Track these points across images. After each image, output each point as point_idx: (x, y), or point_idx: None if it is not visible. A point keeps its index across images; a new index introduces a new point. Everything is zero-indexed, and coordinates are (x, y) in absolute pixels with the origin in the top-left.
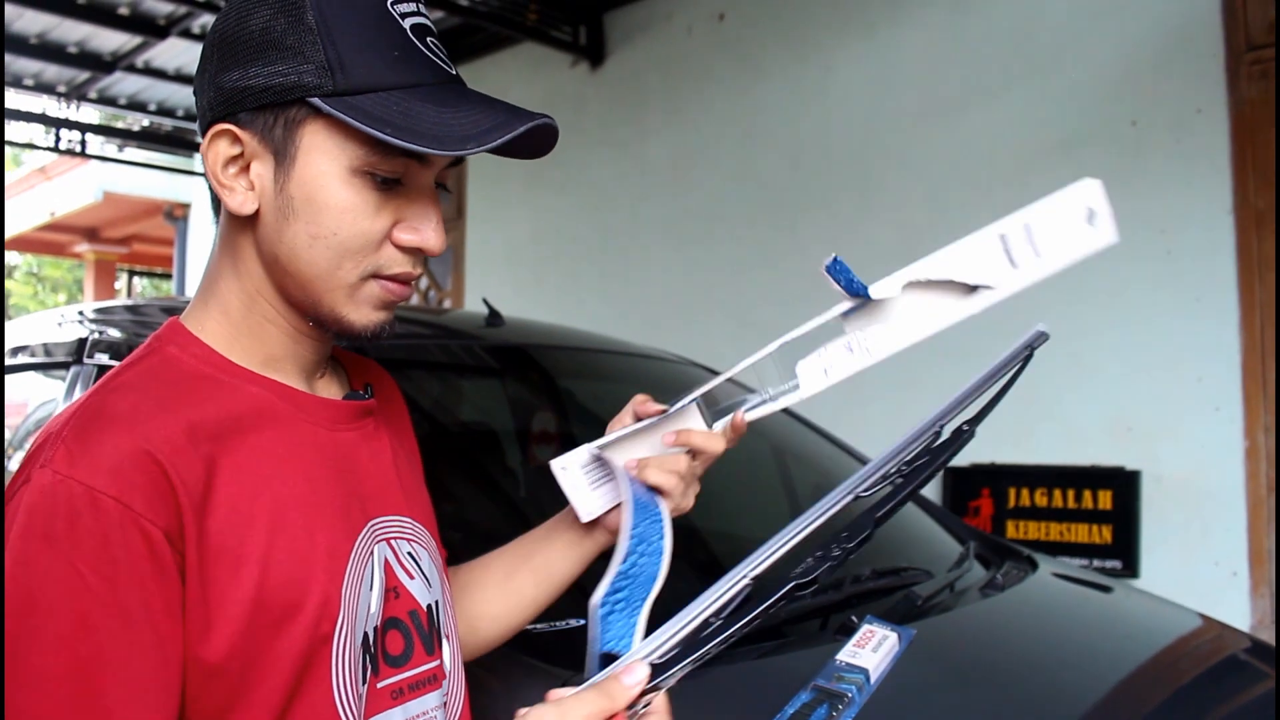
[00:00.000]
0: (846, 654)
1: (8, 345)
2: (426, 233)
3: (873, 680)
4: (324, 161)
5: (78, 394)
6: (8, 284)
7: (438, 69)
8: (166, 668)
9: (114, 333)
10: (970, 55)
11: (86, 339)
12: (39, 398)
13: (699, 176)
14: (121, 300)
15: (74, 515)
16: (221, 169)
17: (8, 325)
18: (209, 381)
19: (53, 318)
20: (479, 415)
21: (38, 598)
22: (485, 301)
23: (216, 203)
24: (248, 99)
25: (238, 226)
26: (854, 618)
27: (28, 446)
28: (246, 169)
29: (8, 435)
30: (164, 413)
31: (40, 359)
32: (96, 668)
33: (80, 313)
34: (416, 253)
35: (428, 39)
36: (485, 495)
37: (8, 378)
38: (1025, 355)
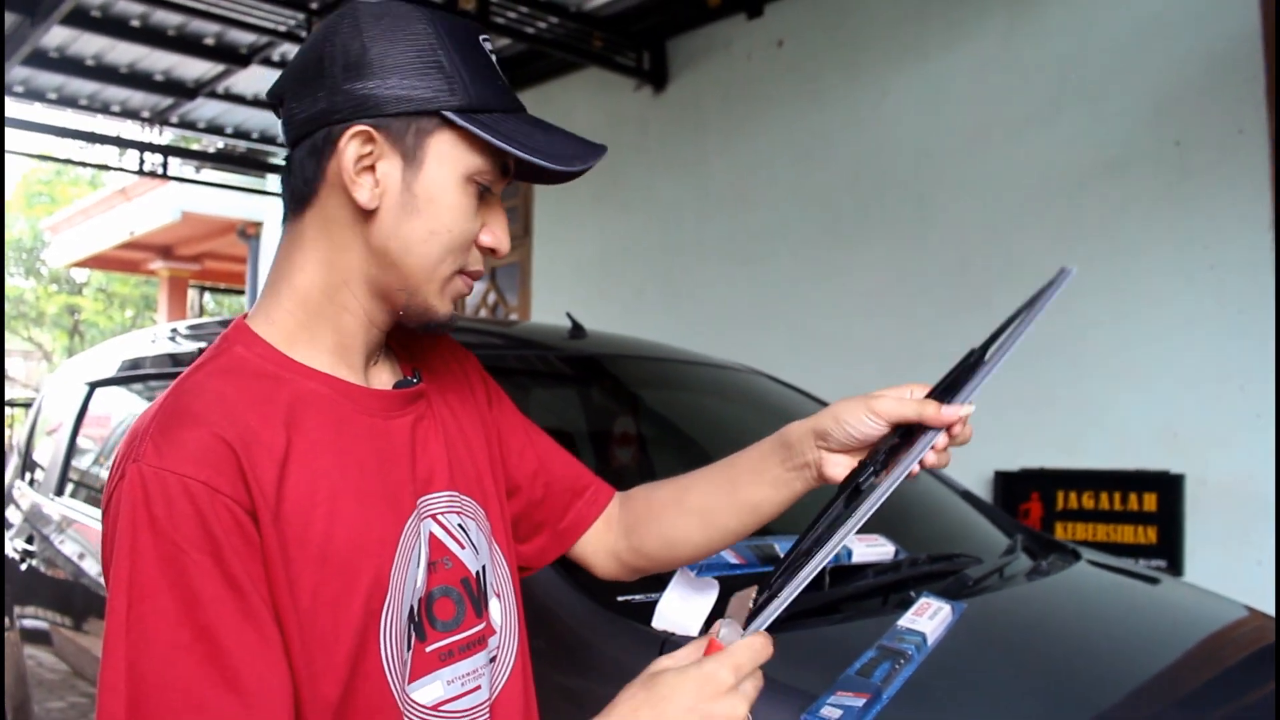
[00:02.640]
0: (906, 621)
1: (116, 362)
2: (501, 236)
3: (929, 642)
4: (446, 167)
5: None
6: (80, 300)
7: (517, 100)
8: (275, 624)
9: None
10: (1022, 80)
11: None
12: (121, 413)
13: (759, 196)
14: (214, 316)
15: (169, 501)
16: (355, 165)
17: (97, 347)
18: (271, 379)
19: (145, 336)
20: (559, 419)
21: (153, 580)
22: (569, 315)
23: (298, 203)
24: (385, 106)
25: (348, 221)
26: (912, 593)
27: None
28: (371, 168)
29: (94, 447)
30: (234, 408)
31: (156, 370)
32: (217, 632)
33: (174, 330)
34: (490, 253)
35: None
36: None
37: (102, 392)
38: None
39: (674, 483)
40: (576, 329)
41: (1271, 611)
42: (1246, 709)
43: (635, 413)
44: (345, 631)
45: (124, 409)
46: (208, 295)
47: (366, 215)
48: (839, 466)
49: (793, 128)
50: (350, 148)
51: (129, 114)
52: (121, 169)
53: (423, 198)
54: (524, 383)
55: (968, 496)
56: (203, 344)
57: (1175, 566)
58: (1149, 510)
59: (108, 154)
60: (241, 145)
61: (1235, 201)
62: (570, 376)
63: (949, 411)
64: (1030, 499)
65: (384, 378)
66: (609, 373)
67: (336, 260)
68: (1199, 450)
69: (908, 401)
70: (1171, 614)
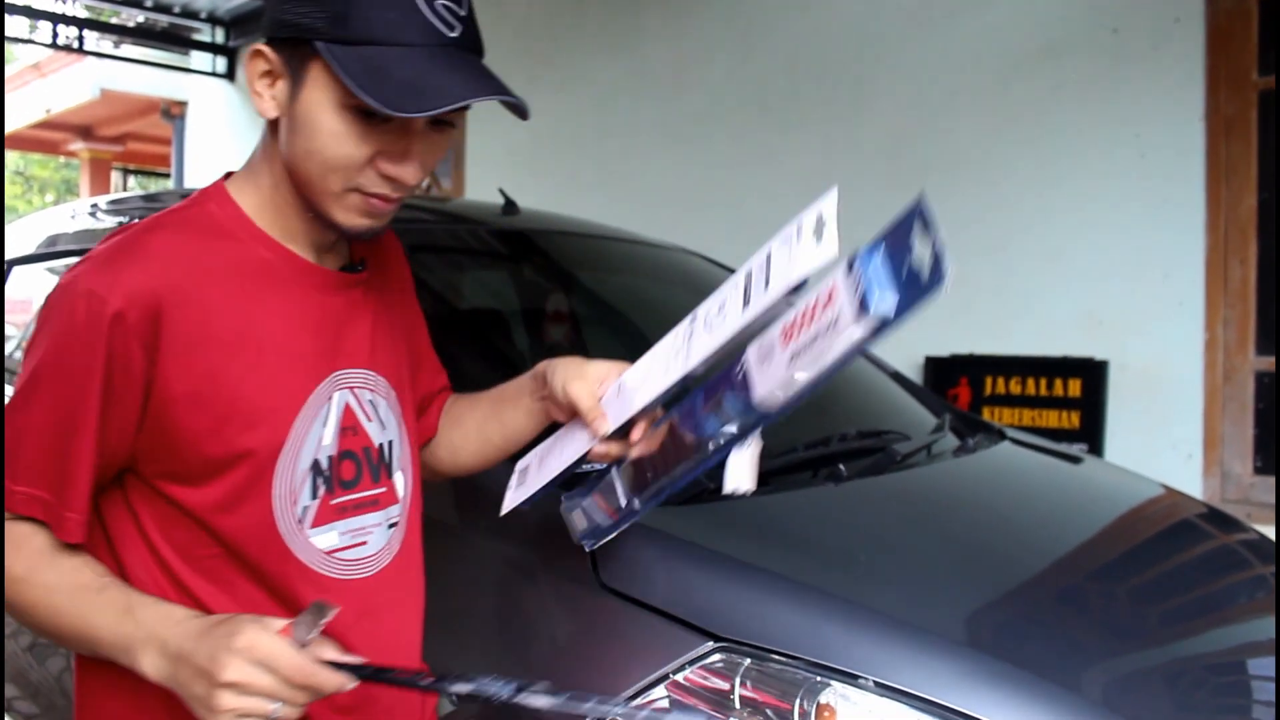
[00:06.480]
0: None
1: (39, 238)
2: (402, 168)
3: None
4: (319, 94)
5: None
6: None
7: (432, 32)
8: (101, 442)
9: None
10: None
11: (127, 225)
12: (41, 293)
13: (696, 78)
14: (137, 191)
15: (71, 310)
16: (257, 80)
17: (14, 224)
18: (231, 238)
19: (65, 212)
20: (491, 295)
21: (50, 369)
22: (501, 191)
23: None
24: (281, 29)
25: (271, 126)
26: (841, 468)
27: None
28: (272, 84)
29: (13, 333)
30: (178, 261)
31: (77, 246)
32: (73, 423)
33: (94, 205)
34: (394, 181)
35: (439, 2)
36: (495, 367)
37: (20, 270)
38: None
39: (468, 398)
40: (509, 205)
41: (1185, 489)
42: (1160, 579)
43: (568, 290)
44: (234, 456)
45: (44, 288)
46: (132, 179)
47: (273, 126)
48: (560, 411)
49: (731, 8)
50: (251, 65)
51: None
52: (32, 41)
53: (299, 119)
54: (455, 258)
55: (897, 378)
56: (124, 219)
57: (1096, 450)
58: (1073, 396)
59: (18, 26)
60: (163, 20)
61: (1168, 90)
62: (502, 253)
63: (601, 428)
64: (959, 384)
65: (333, 261)
66: (541, 249)
67: (273, 158)
68: (1121, 337)
69: (591, 397)
70: (1092, 490)
